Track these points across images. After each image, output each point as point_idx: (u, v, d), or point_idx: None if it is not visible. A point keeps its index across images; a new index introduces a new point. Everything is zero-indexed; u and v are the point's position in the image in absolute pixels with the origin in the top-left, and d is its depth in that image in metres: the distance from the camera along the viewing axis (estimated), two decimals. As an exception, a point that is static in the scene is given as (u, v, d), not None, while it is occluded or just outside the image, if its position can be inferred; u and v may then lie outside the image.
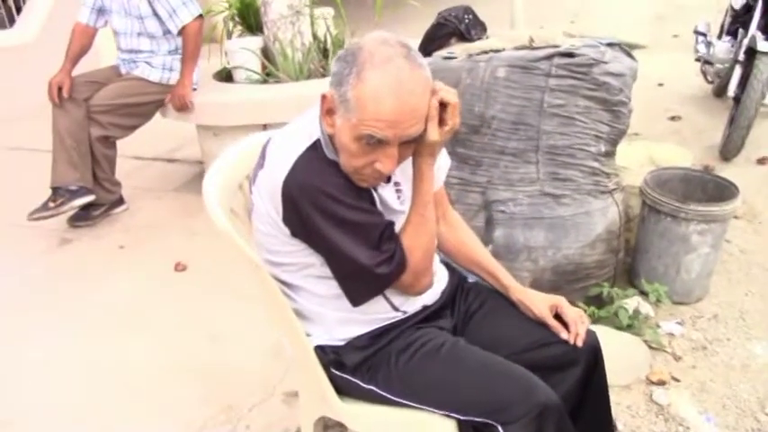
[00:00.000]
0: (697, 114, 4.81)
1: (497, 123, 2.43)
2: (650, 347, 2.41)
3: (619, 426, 2.09)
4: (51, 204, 3.52)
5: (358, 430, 1.58)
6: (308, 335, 1.55)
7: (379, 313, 1.53)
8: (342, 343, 1.54)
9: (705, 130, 4.47)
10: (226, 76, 4.19)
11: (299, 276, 1.50)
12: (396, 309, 1.54)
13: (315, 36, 4.10)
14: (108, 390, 2.45)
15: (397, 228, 1.46)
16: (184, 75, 3.64)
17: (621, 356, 2.28)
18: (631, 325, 2.43)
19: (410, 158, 1.42)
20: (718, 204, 2.54)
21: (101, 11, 3.68)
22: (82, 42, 3.70)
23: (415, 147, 1.38)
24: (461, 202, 2.55)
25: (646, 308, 2.55)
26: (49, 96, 3.52)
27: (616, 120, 2.47)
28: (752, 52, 3.89)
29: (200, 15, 3.63)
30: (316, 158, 1.37)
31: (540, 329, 1.59)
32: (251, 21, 4.24)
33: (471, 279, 1.76)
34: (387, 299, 1.52)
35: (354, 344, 1.53)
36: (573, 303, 1.64)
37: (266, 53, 4.02)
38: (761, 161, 3.92)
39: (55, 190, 3.54)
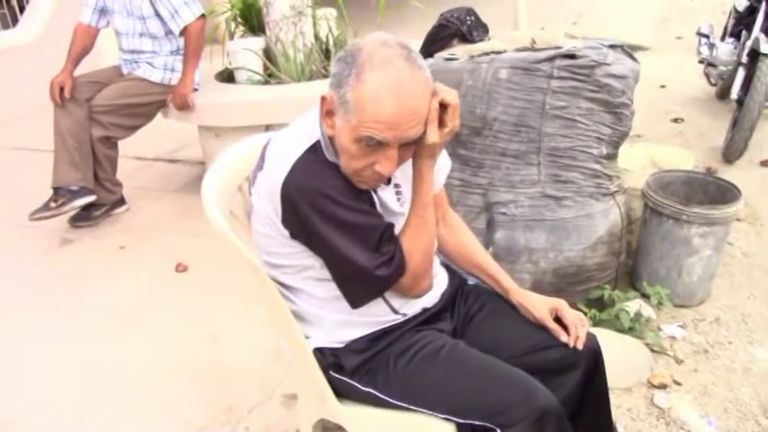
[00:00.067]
0: (700, 116, 4.80)
1: (499, 125, 2.43)
2: (651, 350, 2.40)
3: (619, 429, 2.08)
4: (52, 204, 3.52)
5: (357, 433, 1.57)
6: (306, 337, 1.54)
7: (378, 316, 1.52)
8: (341, 345, 1.53)
9: (708, 132, 4.46)
10: (228, 76, 4.19)
11: (299, 278, 1.49)
12: (395, 311, 1.53)
13: (317, 37, 4.09)
14: (108, 390, 2.45)
15: (397, 230, 1.45)
16: (186, 74, 3.64)
17: (622, 359, 2.27)
18: (633, 328, 2.42)
19: (410, 160, 1.42)
20: (721, 207, 2.53)
21: (103, 11, 3.69)
22: (84, 43, 3.71)
23: (415, 149, 1.37)
24: (462, 204, 2.55)
25: (647, 311, 2.54)
26: (50, 96, 3.52)
27: (618, 122, 2.47)
28: (755, 54, 3.88)
29: (203, 15, 3.63)
30: (315, 160, 1.37)
31: (540, 332, 1.58)
32: (253, 21, 4.23)
33: (471, 281, 1.75)
34: (386, 301, 1.51)
35: (353, 346, 1.53)
36: (574, 306, 1.64)
37: (268, 54, 4.01)
38: (764, 163, 3.91)
39: (56, 190, 3.55)
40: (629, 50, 2.56)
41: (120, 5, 3.59)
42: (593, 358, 1.57)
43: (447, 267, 1.74)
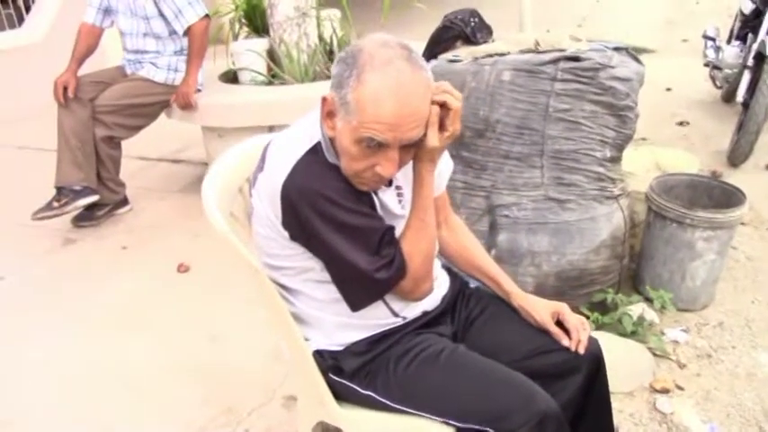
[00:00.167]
0: (705, 120, 4.78)
1: (502, 127, 2.42)
2: (654, 355, 2.39)
3: (621, 434, 2.07)
4: (55, 204, 3.52)
5: (356, 436, 1.56)
6: (306, 339, 1.54)
7: (378, 318, 1.52)
8: (340, 348, 1.53)
9: (713, 135, 4.44)
10: (231, 77, 4.19)
11: (298, 280, 1.49)
12: (395, 314, 1.53)
13: (321, 38, 4.09)
14: (109, 390, 2.44)
15: (398, 232, 1.44)
16: (189, 73, 3.64)
17: (625, 363, 2.26)
18: (635, 332, 2.41)
19: (412, 163, 1.41)
20: (725, 211, 2.52)
21: (107, 11, 3.69)
22: (88, 42, 3.71)
23: (416, 152, 1.36)
24: (465, 206, 2.54)
25: (650, 315, 2.53)
26: (54, 96, 3.53)
27: (622, 125, 2.45)
28: (761, 57, 3.86)
29: (207, 15, 3.63)
30: (315, 162, 1.36)
31: (542, 336, 1.57)
32: (257, 22, 4.24)
33: (473, 284, 1.74)
34: (386, 304, 1.50)
35: (353, 349, 1.52)
36: (576, 309, 1.63)
37: (272, 55, 4.01)
38: (769, 167, 3.90)
39: (59, 190, 3.55)
40: (633, 53, 2.55)
41: (125, 5, 3.60)
42: (594, 362, 1.56)
43: (448, 270, 1.73)
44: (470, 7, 2.83)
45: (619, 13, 8.42)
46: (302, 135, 1.41)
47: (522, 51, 2.51)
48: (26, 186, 4.18)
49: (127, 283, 3.17)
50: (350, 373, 1.52)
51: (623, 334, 2.39)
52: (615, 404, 2.02)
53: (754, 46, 4.02)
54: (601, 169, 2.46)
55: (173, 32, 3.63)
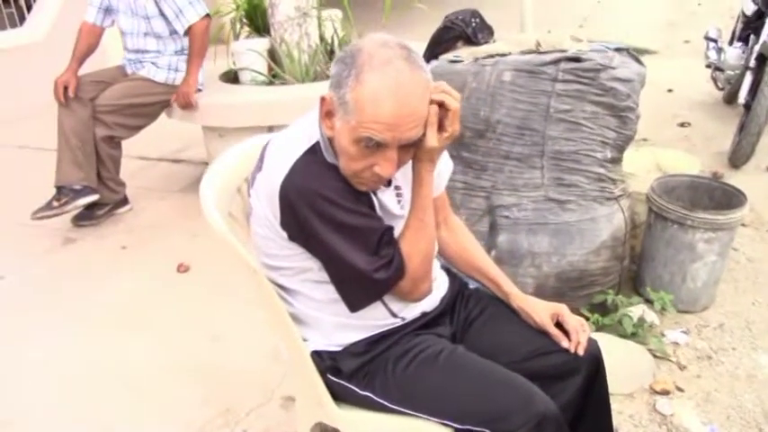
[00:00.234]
0: (706, 121, 4.78)
1: (502, 128, 2.42)
2: (654, 356, 2.38)
3: (621, 435, 2.07)
4: (55, 203, 3.52)
5: (354, 437, 1.56)
6: (304, 340, 1.53)
7: (377, 319, 1.51)
8: (339, 349, 1.52)
9: (715, 136, 4.44)
10: (232, 77, 4.18)
11: (297, 281, 1.48)
12: (394, 315, 1.52)
13: (322, 38, 4.09)
14: (108, 390, 2.44)
15: (398, 232, 1.44)
16: (189, 73, 3.64)
17: (625, 365, 2.25)
18: (636, 333, 2.40)
19: (411, 163, 1.41)
20: (726, 212, 2.51)
21: (108, 10, 3.69)
22: (89, 42, 3.71)
23: (415, 152, 1.36)
24: (465, 207, 2.54)
25: (651, 316, 2.52)
26: (54, 95, 3.52)
27: (623, 126, 2.45)
28: (763, 59, 3.86)
29: (208, 15, 3.63)
30: (314, 162, 1.36)
31: (541, 338, 1.56)
32: (258, 22, 4.24)
33: (472, 285, 1.74)
34: (385, 305, 1.50)
35: (351, 350, 1.51)
36: (577, 311, 1.62)
37: (273, 55, 4.01)
38: (770, 169, 3.89)
39: (59, 189, 3.54)
40: (635, 54, 2.54)
41: (125, 5, 3.60)
42: (594, 364, 1.55)
43: (448, 271, 1.72)
44: (471, 8, 2.83)
45: (620, 13, 8.41)
46: (301, 135, 1.40)
47: (523, 52, 2.51)
48: (26, 186, 4.18)
49: (127, 282, 3.16)
50: (348, 373, 1.51)
51: (623, 335, 2.38)
52: (615, 405, 2.02)
53: (756, 47, 4.01)
54: (601, 170, 2.46)
55: (173, 32, 3.63)
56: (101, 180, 3.69)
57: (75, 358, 2.63)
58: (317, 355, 1.52)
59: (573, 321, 1.55)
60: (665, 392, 2.24)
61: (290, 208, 1.33)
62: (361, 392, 1.51)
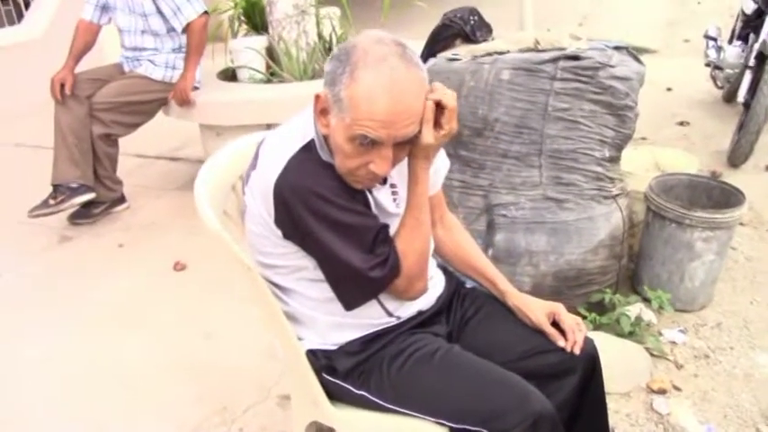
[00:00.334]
0: (706, 119, 4.77)
1: (501, 126, 2.41)
2: (652, 355, 2.38)
3: (618, 435, 2.06)
4: (52, 201, 3.51)
5: (349, 436, 1.55)
6: (299, 339, 1.53)
7: (372, 318, 1.50)
8: (334, 347, 1.51)
9: (714, 135, 4.43)
10: (230, 75, 4.17)
11: (292, 279, 1.47)
12: (389, 314, 1.51)
13: (320, 36, 4.08)
14: (105, 388, 2.44)
15: (393, 231, 1.43)
16: (187, 69, 3.63)
17: (622, 364, 2.25)
18: (633, 332, 2.40)
19: (407, 160, 1.40)
20: (724, 211, 2.51)
21: (105, 8, 3.68)
22: (86, 39, 3.70)
23: (410, 149, 1.35)
24: (463, 206, 2.53)
25: (648, 315, 2.52)
26: (51, 93, 3.51)
27: (622, 124, 2.44)
28: (762, 57, 3.84)
29: (206, 12, 3.62)
30: (309, 159, 1.35)
31: (537, 336, 1.55)
32: (256, 20, 4.22)
33: (469, 284, 1.73)
34: (380, 303, 1.49)
35: (347, 349, 1.51)
36: (574, 309, 1.62)
37: (271, 53, 4.00)
38: (769, 168, 3.88)
39: (56, 187, 3.54)
40: (634, 52, 2.53)
41: (122, 2, 3.58)
42: (590, 363, 1.55)
43: (444, 270, 1.72)
44: (470, 5, 2.81)
45: (620, 12, 8.39)
46: (296, 133, 1.39)
47: (522, 50, 2.50)
48: (23, 184, 4.17)
49: (123, 280, 3.15)
50: (343, 372, 1.50)
51: (621, 334, 2.37)
52: (612, 404, 2.02)
53: (756, 46, 4.00)
54: (599, 169, 2.45)
55: (171, 30, 3.62)
56: (97, 178, 3.68)
57: (71, 356, 2.63)
58: (312, 354, 1.51)
59: (569, 320, 1.54)
60: (662, 391, 2.23)
61: (284, 206, 1.32)
62: (356, 392, 1.50)
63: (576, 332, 1.53)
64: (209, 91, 3.80)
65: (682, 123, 4.71)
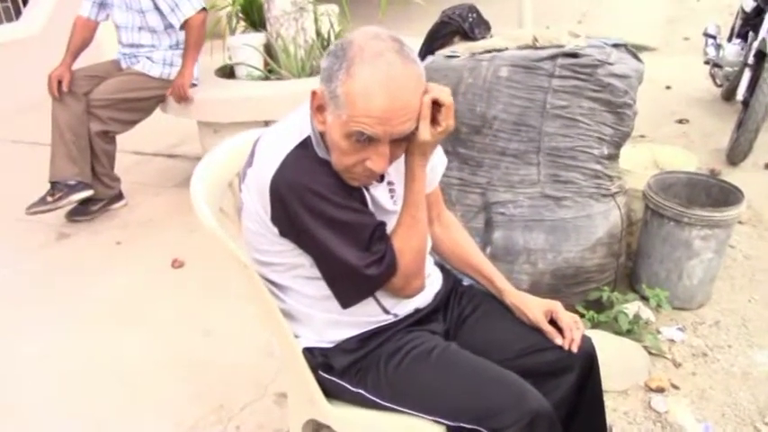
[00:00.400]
0: (705, 117, 4.76)
1: (499, 124, 2.40)
2: (650, 353, 2.38)
3: (615, 433, 2.06)
4: (49, 199, 3.50)
5: (346, 434, 1.55)
6: (296, 336, 1.52)
7: (369, 316, 1.50)
8: (330, 345, 1.51)
9: (713, 133, 4.42)
10: (228, 72, 4.16)
11: (288, 277, 1.47)
12: (386, 311, 1.51)
13: (318, 33, 4.07)
14: (102, 385, 2.43)
15: (390, 228, 1.42)
16: (185, 65, 3.61)
17: (620, 362, 2.25)
18: (631, 330, 2.39)
19: (404, 157, 1.39)
20: (723, 209, 2.50)
21: (102, 4, 3.66)
22: (83, 36, 3.68)
23: (407, 146, 1.34)
24: (461, 203, 2.52)
25: (646, 313, 2.51)
26: (48, 90, 3.50)
27: (620, 122, 2.44)
28: (762, 55, 3.84)
29: (204, 9, 3.61)
30: (305, 156, 1.34)
31: (535, 335, 1.55)
32: (254, 17, 4.22)
33: (466, 282, 1.72)
34: (377, 301, 1.48)
35: (343, 346, 1.50)
36: (572, 307, 1.61)
37: (269, 50, 3.99)
38: (768, 166, 3.88)
39: (53, 184, 3.53)
40: (633, 50, 2.52)
41: (120, -1, 3.57)
42: (587, 361, 1.54)
43: (441, 268, 1.71)
44: (469, 2, 2.81)
45: (619, 10, 8.38)
46: (292, 129, 1.39)
47: (520, 47, 2.48)
48: (20, 181, 4.16)
49: (121, 278, 3.15)
50: (340, 370, 1.50)
51: (619, 332, 2.37)
52: (610, 403, 2.02)
53: (755, 44, 3.99)
54: (598, 167, 2.45)
55: (168, 26, 3.60)
56: (95, 175, 3.67)
57: (69, 353, 2.62)
58: (309, 352, 1.51)
59: (567, 318, 1.54)
60: (660, 390, 2.23)
61: (280, 203, 1.32)
62: (353, 389, 1.50)
63: (573, 330, 1.52)
64: (207, 88, 3.79)
65: (681, 121, 4.71)
